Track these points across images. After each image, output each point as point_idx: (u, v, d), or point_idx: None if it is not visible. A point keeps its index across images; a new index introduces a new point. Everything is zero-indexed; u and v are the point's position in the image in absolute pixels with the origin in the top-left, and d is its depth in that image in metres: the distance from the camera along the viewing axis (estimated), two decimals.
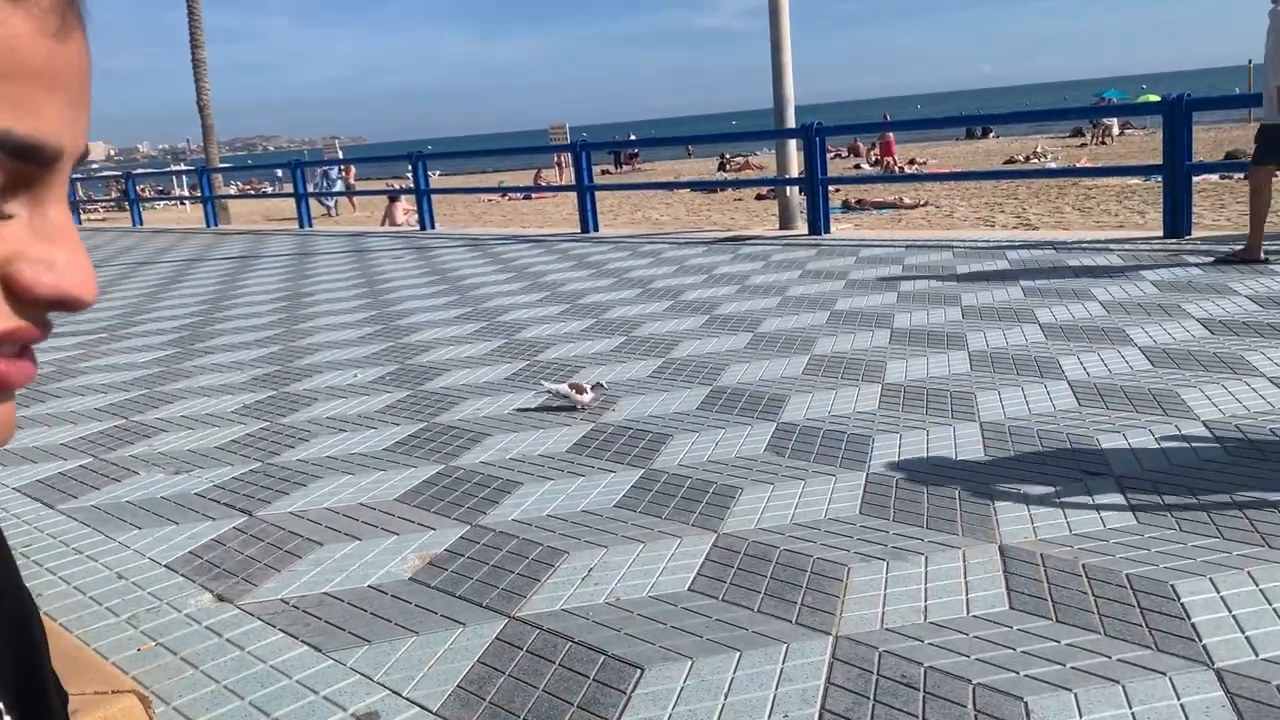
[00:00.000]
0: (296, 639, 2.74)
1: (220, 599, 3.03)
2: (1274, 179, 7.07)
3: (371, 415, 4.96)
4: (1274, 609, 2.47)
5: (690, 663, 2.44)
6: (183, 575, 3.23)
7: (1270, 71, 6.53)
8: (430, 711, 2.34)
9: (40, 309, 0.37)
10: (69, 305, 0.37)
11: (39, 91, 0.34)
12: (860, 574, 2.83)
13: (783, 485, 3.57)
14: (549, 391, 4.84)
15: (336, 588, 3.04)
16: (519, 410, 4.82)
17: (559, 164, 30.74)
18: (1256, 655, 2.28)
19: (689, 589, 2.83)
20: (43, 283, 0.36)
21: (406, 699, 2.40)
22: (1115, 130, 30.95)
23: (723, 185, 20.18)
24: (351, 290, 9.56)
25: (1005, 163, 23.11)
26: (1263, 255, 6.95)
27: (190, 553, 3.40)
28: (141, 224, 21.96)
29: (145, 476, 4.28)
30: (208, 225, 19.75)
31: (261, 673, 2.58)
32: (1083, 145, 28.26)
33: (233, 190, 28.00)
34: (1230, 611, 2.47)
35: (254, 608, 2.95)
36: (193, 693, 2.50)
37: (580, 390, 4.66)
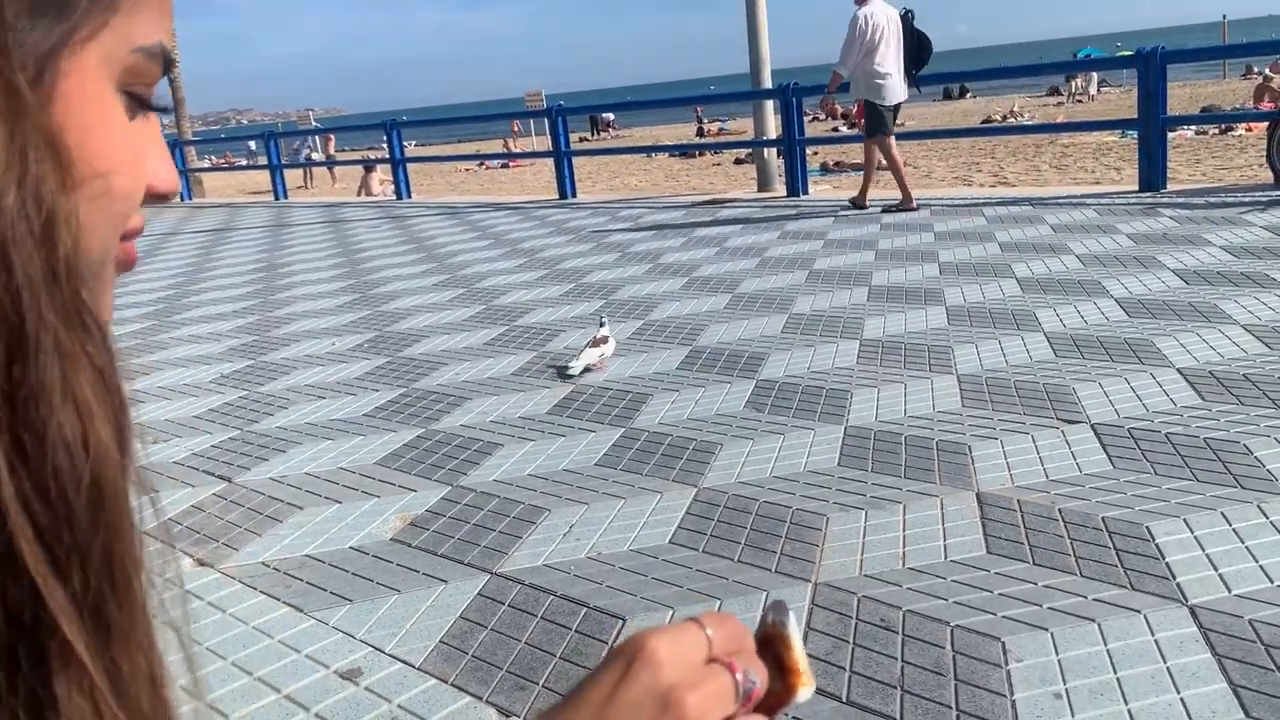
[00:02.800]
0: (278, 600, 2.74)
1: (200, 563, 3.02)
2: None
3: (350, 382, 4.94)
4: (1246, 547, 2.50)
5: (671, 612, 2.46)
6: (160, 541, 3.21)
7: (840, 62, 8.41)
8: (413, 667, 2.35)
9: (144, 203, 0.40)
10: (165, 199, 0.40)
11: (165, 7, 0.38)
12: (839, 523, 2.85)
13: (762, 440, 3.58)
14: (584, 356, 4.66)
15: (318, 550, 3.04)
16: (555, 367, 4.81)
17: (514, 132, 30.74)
18: (1229, 591, 2.32)
19: (670, 542, 2.84)
20: (161, 178, 0.38)
21: (389, 655, 2.41)
22: (1093, 90, 30.90)
23: (701, 148, 20.09)
24: (328, 260, 9.48)
25: (983, 122, 23.03)
26: (914, 204, 8.57)
27: (168, 519, 3.39)
28: None
29: None
30: (182, 199, 19.52)
31: (243, 634, 2.58)
32: (1059, 105, 28.21)
33: (206, 164, 27.62)
34: (1204, 550, 2.51)
35: (235, 571, 2.95)
36: (173, 655, 2.49)
37: (597, 343, 4.66)
